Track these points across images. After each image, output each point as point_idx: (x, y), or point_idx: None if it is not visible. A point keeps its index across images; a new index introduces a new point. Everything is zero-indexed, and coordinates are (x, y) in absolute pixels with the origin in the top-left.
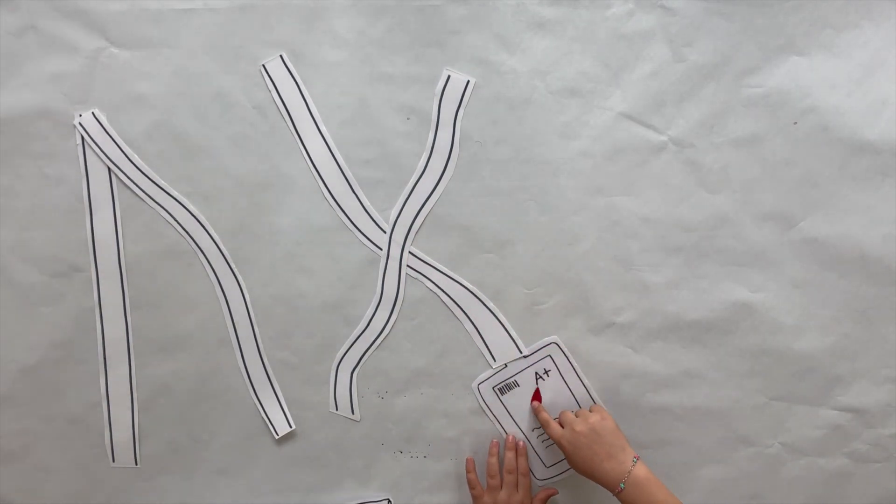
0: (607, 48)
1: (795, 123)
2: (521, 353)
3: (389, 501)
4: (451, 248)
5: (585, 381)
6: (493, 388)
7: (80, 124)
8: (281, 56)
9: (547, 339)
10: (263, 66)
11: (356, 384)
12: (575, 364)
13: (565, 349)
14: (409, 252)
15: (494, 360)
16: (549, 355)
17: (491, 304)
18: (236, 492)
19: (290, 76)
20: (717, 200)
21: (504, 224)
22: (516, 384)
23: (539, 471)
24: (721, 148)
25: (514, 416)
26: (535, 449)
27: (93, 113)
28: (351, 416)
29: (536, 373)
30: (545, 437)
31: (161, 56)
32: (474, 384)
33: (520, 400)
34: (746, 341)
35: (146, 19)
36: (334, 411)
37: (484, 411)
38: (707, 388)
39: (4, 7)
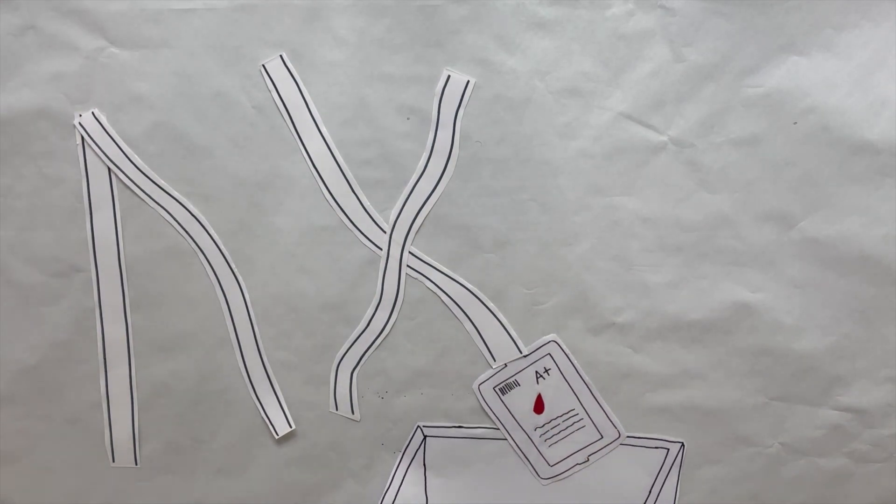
0: (607, 48)
1: (795, 123)
2: (521, 353)
3: None
4: (451, 248)
5: (586, 378)
6: (493, 388)
7: (80, 124)
8: (281, 56)
9: (546, 338)
10: (263, 66)
11: (356, 384)
12: (575, 361)
13: (564, 347)
14: (409, 252)
15: (494, 360)
16: (549, 354)
17: (491, 305)
18: (236, 492)
19: (290, 76)
20: (717, 200)
21: (504, 224)
22: (517, 384)
23: (543, 470)
24: (721, 148)
25: (516, 416)
26: (539, 448)
27: (93, 113)
28: (351, 416)
29: (537, 372)
30: (548, 435)
31: (161, 56)
32: (475, 385)
33: (521, 400)
34: (746, 341)
35: (146, 19)
36: (334, 411)
37: (486, 412)
38: (707, 388)
39: (4, 7)
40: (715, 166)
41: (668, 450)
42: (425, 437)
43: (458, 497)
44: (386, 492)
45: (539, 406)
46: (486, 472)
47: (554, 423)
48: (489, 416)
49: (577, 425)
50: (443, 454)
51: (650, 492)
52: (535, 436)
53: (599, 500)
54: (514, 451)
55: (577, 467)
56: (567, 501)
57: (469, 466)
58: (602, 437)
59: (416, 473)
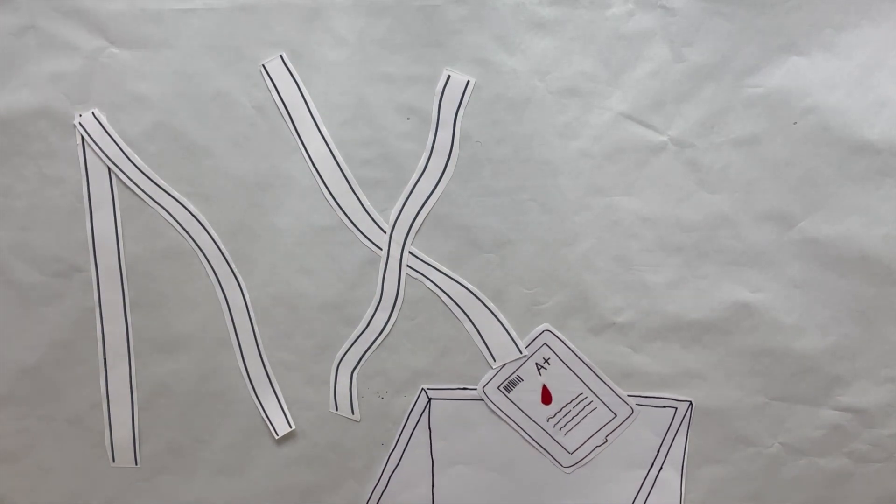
0: (607, 48)
1: (795, 123)
2: (520, 353)
3: None
4: (451, 248)
5: (587, 361)
6: (497, 387)
7: (80, 124)
8: (281, 56)
9: (539, 329)
10: (263, 66)
11: (356, 384)
12: (572, 346)
13: (559, 334)
14: (409, 252)
15: (495, 361)
16: (545, 343)
17: (491, 305)
18: (236, 492)
19: (290, 76)
20: (717, 200)
21: (504, 224)
22: (520, 379)
23: (564, 459)
24: (721, 148)
25: (526, 411)
26: (555, 438)
27: (93, 113)
28: (351, 416)
29: (537, 363)
30: (561, 423)
31: (161, 56)
32: (479, 387)
33: (528, 394)
34: (746, 341)
35: (146, 19)
36: (334, 411)
37: (495, 413)
38: (707, 388)
39: (4, 7)
40: (715, 166)
41: (676, 409)
42: (430, 399)
43: (465, 459)
44: (390, 455)
45: (546, 397)
46: (492, 434)
47: (565, 410)
48: (499, 417)
49: (588, 408)
50: (447, 417)
51: (658, 451)
52: (549, 426)
53: (607, 463)
54: (532, 445)
55: (598, 450)
56: None
57: (474, 429)
58: (616, 416)
59: (420, 436)
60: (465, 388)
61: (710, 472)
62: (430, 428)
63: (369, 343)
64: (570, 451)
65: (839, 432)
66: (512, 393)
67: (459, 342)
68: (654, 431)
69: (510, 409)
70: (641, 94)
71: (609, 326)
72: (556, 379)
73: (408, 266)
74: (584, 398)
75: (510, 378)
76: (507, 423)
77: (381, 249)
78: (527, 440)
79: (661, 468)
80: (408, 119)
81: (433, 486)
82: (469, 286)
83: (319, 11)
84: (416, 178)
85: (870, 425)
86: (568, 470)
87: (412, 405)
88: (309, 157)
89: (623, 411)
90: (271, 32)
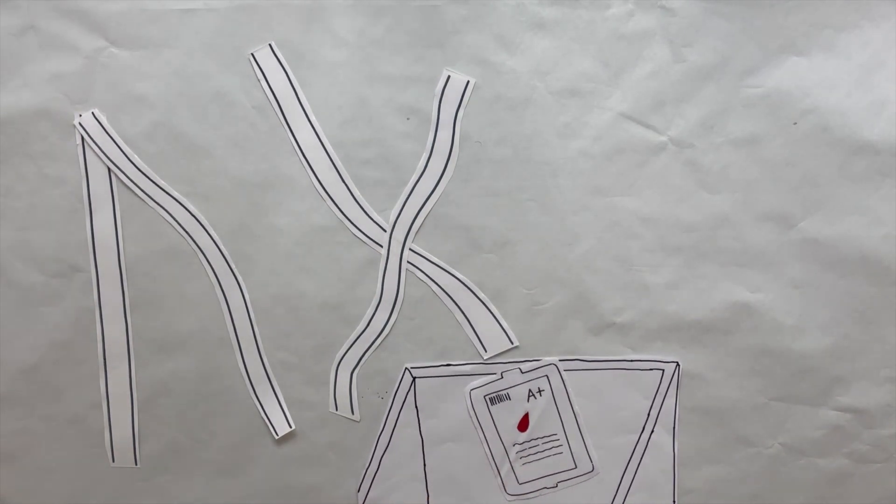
0: (607, 48)
1: (795, 123)
2: (512, 343)
3: None
4: (451, 248)
5: (576, 409)
6: (484, 396)
7: (80, 124)
8: (270, 45)
9: (548, 359)
10: (252, 55)
11: (356, 384)
12: (570, 390)
13: (563, 374)
14: (409, 251)
15: (486, 351)
16: (546, 375)
17: (482, 295)
18: (236, 492)
19: (279, 66)
20: (717, 200)
21: (504, 224)
22: (508, 397)
23: (511, 486)
24: (721, 148)
25: (499, 429)
26: (512, 464)
27: (93, 113)
28: (351, 416)
29: (530, 390)
30: (525, 453)
31: (161, 56)
32: (466, 388)
33: (508, 414)
34: (746, 341)
35: (146, 19)
36: (334, 411)
37: (470, 416)
38: (707, 388)
39: (4, 7)
40: (715, 166)
41: (664, 370)
42: (414, 378)
43: (454, 436)
44: (379, 437)
45: (524, 424)
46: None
47: (533, 443)
48: (472, 421)
49: (554, 451)
50: (433, 395)
51: (648, 415)
52: (513, 452)
53: (599, 428)
54: (487, 460)
55: (545, 491)
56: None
57: (461, 406)
58: (576, 468)
59: (408, 416)
60: (448, 365)
61: (710, 472)
62: (416, 407)
63: (369, 343)
64: (520, 481)
65: (839, 432)
66: (494, 406)
67: (459, 343)
68: (644, 394)
69: (485, 420)
70: (641, 95)
71: (609, 326)
72: (539, 411)
73: (409, 262)
74: (555, 439)
75: (499, 392)
76: (476, 432)
77: (382, 249)
78: (485, 454)
79: (652, 431)
80: (408, 119)
81: (425, 464)
82: (460, 276)
83: (319, 11)
84: (416, 178)
85: (870, 425)
86: (510, 498)
87: (397, 385)
88: (308, 157)
89: (584, 466)
90: (271, 32)
